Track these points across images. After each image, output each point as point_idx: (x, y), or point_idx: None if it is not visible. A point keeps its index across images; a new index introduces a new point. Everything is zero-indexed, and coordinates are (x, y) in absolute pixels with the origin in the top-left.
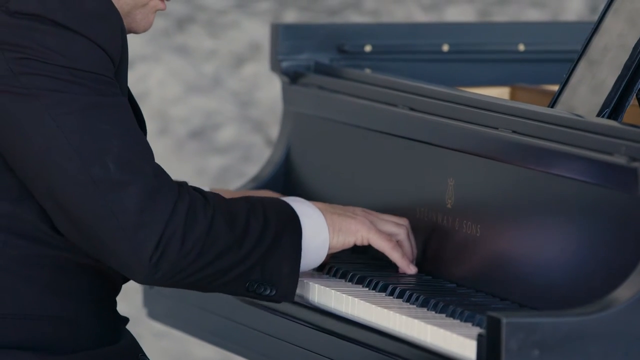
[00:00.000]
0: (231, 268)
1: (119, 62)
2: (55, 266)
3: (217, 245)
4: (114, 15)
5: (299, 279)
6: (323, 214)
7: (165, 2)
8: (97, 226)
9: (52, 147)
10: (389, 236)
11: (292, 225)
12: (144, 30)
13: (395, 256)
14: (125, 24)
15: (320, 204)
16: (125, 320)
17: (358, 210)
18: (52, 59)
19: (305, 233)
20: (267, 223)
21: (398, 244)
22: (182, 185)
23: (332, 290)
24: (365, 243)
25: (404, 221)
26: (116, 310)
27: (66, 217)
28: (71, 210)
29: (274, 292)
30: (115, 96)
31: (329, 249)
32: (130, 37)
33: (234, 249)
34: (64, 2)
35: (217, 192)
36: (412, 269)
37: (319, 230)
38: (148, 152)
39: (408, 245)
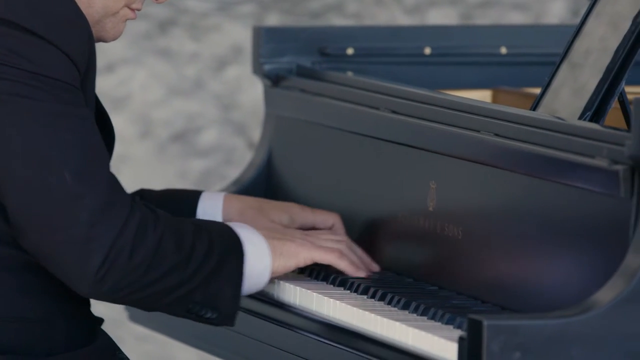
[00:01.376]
0: (175, 288)
1: (86, 71)
2: (25, 267)
3: (163, 264)
4: (82, 23)
5: (287, 283)
6: (266, 240)
7: (140, 10)
8: (46, 235)
9: (10, 152)
10: (332, 249)
11: (236, 250)
12: (114, 39)
13: (342, 264)
14: (94, 32)
15: (261, 230)
16: (100, 320)
17: (297, 233)
18: (17, 63)
19: (248, 258)
20: (211, 246)
21: (344, 255)
22: (135, 200)
23: (314, 293)
24: (309, 262)
25: (342, 237)
26: (90, 311)
27: (17, 222)
28: (22, 217)
29: (215, 316)
30: (79, 106)
31: (271, 273)
32: (111, 41)
33: (179, 269)
34: (32, 9)
35: (143, 190)
36: (361, 273)
37: (262, 256)
38: (105, 165)
39: (352, 254)
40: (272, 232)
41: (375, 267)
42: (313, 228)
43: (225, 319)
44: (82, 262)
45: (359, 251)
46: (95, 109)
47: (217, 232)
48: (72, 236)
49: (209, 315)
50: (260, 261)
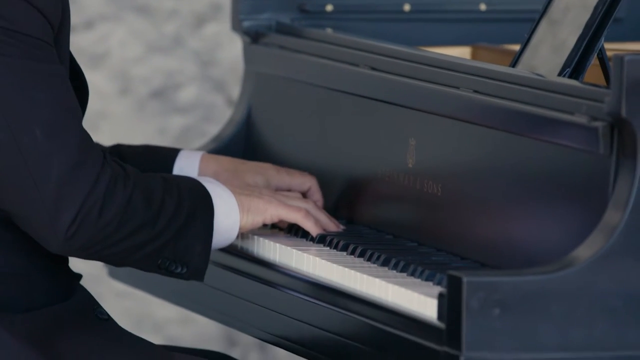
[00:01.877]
0: (145, 244)
1: (60, 27)
2: (1, 222)
3: (133, 220)
4: None
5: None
6: (234, 195)
7: None
8: (17, 194)
9: None
10: (298, 208)
11: (205, 205)
12: None
13: (308, 224)
14: None
15: (229, 185)
16: (79, 276)
17: (265, 190)
18: None
19: (217, 213)
20: (181, 201)
21: (310, 215)
22: (106, 158)
23: (294, 250)
24: (275, 220)
25: (309, 200)
26: (68, 267)
27: None
28: None
29: (184, 271)
30: (51, 63)
31: (239, 228)
32: None
33: (149, 225)
34: None
35: (121, 145)
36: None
37: (230, 211)
38: (77, 123)
39: (319, 213)
40: (241, 188)
41: (340, 228)
42: (289, 191)
43: (195, 273)
44: (52, 220)
45: (325, 213)
46: (69, 66)
47: (186, 187)
48: (43, 194)
49: (178, 270)
50: (228, 216)
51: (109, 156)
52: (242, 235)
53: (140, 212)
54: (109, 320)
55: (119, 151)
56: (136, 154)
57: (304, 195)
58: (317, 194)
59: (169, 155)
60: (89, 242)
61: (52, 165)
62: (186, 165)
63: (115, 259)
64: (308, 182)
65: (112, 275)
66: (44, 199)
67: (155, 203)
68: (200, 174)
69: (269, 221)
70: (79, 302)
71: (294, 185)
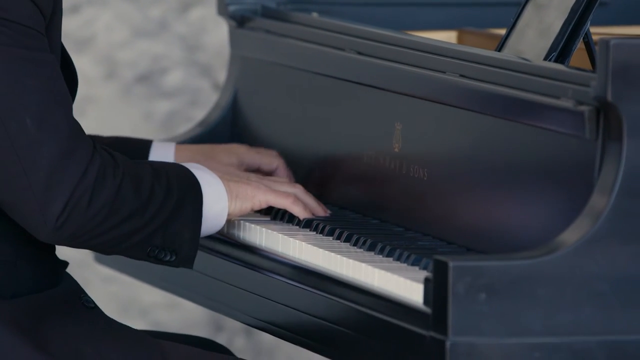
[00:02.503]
0: (134, 233)
1: (52, 15)
2: None
3: (123, 209)
4: None
5: (254, 225)
6: (222, 182)
7: None
8: (6, 182)
9: None
10: (286, 193)
11: (194, 192)
12: None
13: (296, 210)
14: None
15: (217, 172)
16: (65, 263)
17: (252, 176)
18: None
19: (205, 200)
20: (170, 189)
21: (298, 200)
22: (96, 146)
23: (279, 234)
24: (264, 206)
25: (297, 184)
26: (55, 254)
27: None
28: None
29: (173, 258)
30: (42, 51)
31: (228, 215)
32: None
33: (138, 213)
34: None
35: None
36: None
37: (219, 198)
38: (67, 112)
39: (307, 198)
40: (229, 175)
41: (327, 212)
42: (258, 170)
43: (184, 261)
44: (42, 209)
45: (312, 197)
46: (60, 54)
47: (175, 175)
48: (33, 183)
49: (168, 257)
50: (217, 203)
51: (99, 145)
52: (229, 220)
53: (129, 201)
54: (95, 308)
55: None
56: (108, 146)
57: (272, 173)
58: (283, 171)
59: (142, 146)
60: (79, 230)
61: (42, 153)
62: (162, 157)
63: (105, 247)
64: (275, 160)
65: (99, 260)
66: (34, 187)
67: (145, 191)
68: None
69: (257, 207)
70: (65, 290)
71: (262, 163)
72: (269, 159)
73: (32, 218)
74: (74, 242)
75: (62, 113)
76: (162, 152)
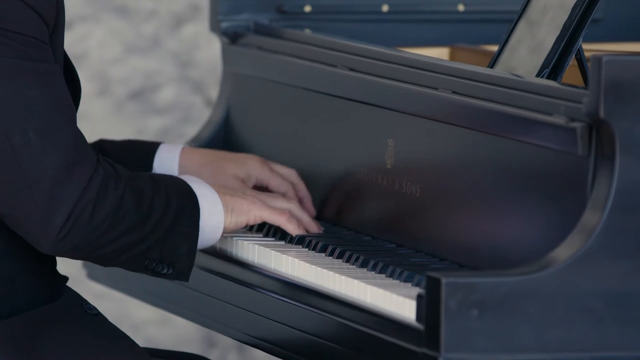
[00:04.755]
0: (134, 245)
1: (55, 26)
2: None
3: (124, 221)
4: None
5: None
6: (219, 195)
7: None
8: (9, 194)
9: None
10: (281, 210)
11: (191, 206)
12: None
13: (290, 227)
14: None
15: (213, 185)
16: (65, 279)
17: (248, 191)
18: None
19: (202, 214)
20: (168, 202)
21: (293, 218)
22: (99, 159)
23: (272, 251)
24: (259, 221)
25: (293, 200)
26: (55, 269)
27: None
28: None
29: (170, 271)
30: (45, 62)
31: (224, 229)
32: None
33: (139, 226)
34: None
35: (104, 140)
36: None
37: (215, 211)
38: (71, 123)
39: (302, 214)
40: (225, 188)
41: (321, 229)
42: (266, 189)
43: (180, 274)
44: (44, 221)
45: (307, 214)
46: (64, 64)
47: (173, 187)
48: (35, 195)
49: (165, 271)
50: (213, 217)
51: (101, 157)
52: (223, 235)
53: (131, 213)
54: (98, 315)
55: (101, 146)
56: (117, 149)
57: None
58: (292, 197)
59: (150, 149)
60: (81, 242)
61: (45, 165)
62: (167, 159)
63: (104, 259)
64: (284, 185)
65: (91, 276)
66: (37, 199)
67: (145, 204)
68: (180, 167)
69: (252, 222)
70: (67, 301)
71: (271, 184)
72: (279, 182)
73: (35, 230)
74: (76, 254)
75: (65, 124)
76: (167, 155)
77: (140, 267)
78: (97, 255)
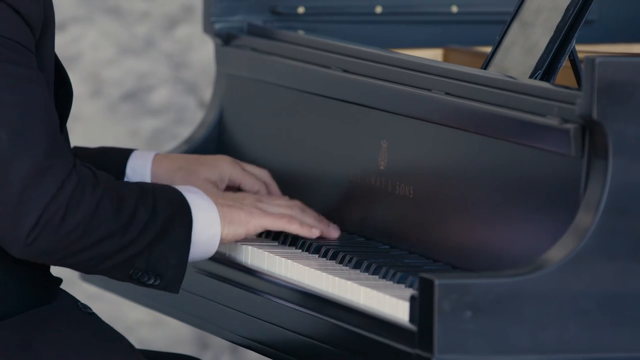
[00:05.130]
0: (114, 253)
1: (44, 29)
2: None
3: (100, 229)
4: None
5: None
6: (216, 207)
7: None
8: None
9: None
10: (280, 215)
11: (183, 217)
12: None
13: (293, 228)
14: None
15: (212, 195)
16: (59, 280)
17: (248, 199)
18: None
19: (196, 226)
20: (155, 212)
21: (293, 219)
22: (76, 164)
23: (265, 252)
24: (259, 230)
25: (295, 202)
26: (49, 272)
27: None
28: None
29: (157, 282)
30: (26, 67)
31: (220, 240)
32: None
33: (117, 235)
34: None
35: (77, 148)
36: (314, 233)
37: (211, 223)
38: (48, 128)
39: (305, 216)
40: (224, 198)
41: (334, 229)
42: (238, 189)
43: (169, 285)
44: (13, 225)
45: (313, 213)
46: (55, 67)
47: (163, 197)
48: (4, 198)
49: (151, 281)
50: (209, 228)
51: (80, 163)
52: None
53: (108, 221)
54: (93, 314)
55: (75, 154)
56: (89, 157)
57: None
58: (271, 190)
59: (122, 156)
60: (51, 248)
61: (15, 168)
62: (139, 166)
63: (83, 266)
64: (257, 185)
65: (84, 278)
66: (6, 202)
67: (126, 212)
68: (153, 174)
69: (252, 232)
70: (60, 303)
71: (244, 184)
72: (252, 181)
73: (4, 233)
74: (48, 259)
75: (41, 129)
76: (139, 162)
77: (124, 277)
78: (73, 262)
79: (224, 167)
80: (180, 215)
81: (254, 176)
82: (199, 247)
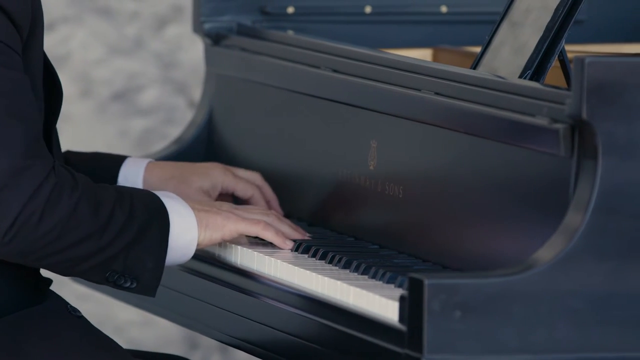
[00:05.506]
0: (91, 256)
1: (32, 29)
2: None
3: (77, 231)
4: None
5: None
6: (193, 212)
7: None
8: None
9: None
10: (257, 220)
11: (160, 221)
12: None
13: (267, 235)
14: None
15: (188, 201)
16: (49, 281)
17: (224, 205)
18: None
19: (173, 230)
20: (132, 215)
21: (269, 226)
22: (55, 166)
23: (255, 252)
24: (235, 235)
25: (271, 212)
26: (39, 273)
27: None
28: None
29: (134, 285)
30: (11, 69)
31: (197, 245)
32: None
33: (94, 237)
34: None
35: (70, 152)
36: (287, 244)
37: (189, 228)
38: (29, 130)
39: (280, 224)
40: (200, 204)
41: (306, 236)
42: (232, 195)
43: (145, 289)
44: None
45: (289, 222)
46: (44, 67)
47: (141, 201)
48: None
49: (127, 284)
50: (187, 233)
51: (59, 165)
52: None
53: (85, 223)
54: (82, 317)
55: (67, 158)
56: (82, 162)
57: (249, 200)
58: (260, 202)
59: (115, 162)
60: (28, 249)
61: None
62: (130, 174)
63: (59, 268)
64: (251, 189)
65: (74, 278)
66: None
67: (104, 214)
68: (144, 182)
69: (228, 237)
70: (50, 305)
71: (237, 190)
72: (245, 186)
73: None
74: (25, 260)
75: (20, 130)
76: (132, 169)
77: (101, 279)
78: (50, 263)
79: (216, 175)
80: (157, 219)
81: (246, 181)
82: (176, 251)
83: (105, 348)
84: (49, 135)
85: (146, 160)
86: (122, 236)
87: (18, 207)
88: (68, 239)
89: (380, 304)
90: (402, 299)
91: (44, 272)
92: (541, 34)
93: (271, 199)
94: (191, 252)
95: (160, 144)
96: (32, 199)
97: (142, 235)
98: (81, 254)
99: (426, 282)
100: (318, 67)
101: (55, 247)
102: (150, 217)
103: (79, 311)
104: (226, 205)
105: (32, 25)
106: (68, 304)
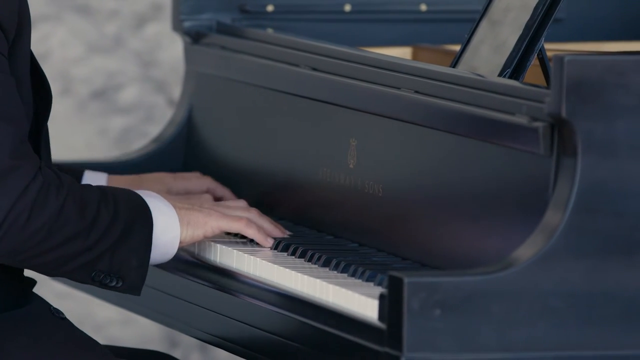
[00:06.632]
0: (77, 255)
1: (19, 30)
2: None
3: (64, 231)
4: None
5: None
6: (175, 209)
7: None
8: None
9: None
10: (239, 217)
11: (143, 219)
12: None
13: (250, 232)
14: None
15: (170, 199)
16: (32, 282)
17: (205, 203)
18: None
19: (156, 228)
20: (117, 214)
21: (252, 222)
22: (41, 166)
23: (234, 250)
24: (217, 232)
25: (252, 209)
26: (22, 274)
27: None
28: None
29: (120, 284)
30: None
31: (180, 243)
32: None
33: (81, 237)
34: None
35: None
36: (269, 242)
37: (171, 226)
38: (15, 131)
39: (262, 221)
40: (181, 202)
41: (286, 234)
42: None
43: (131, 288)
44: None
45: (269, 220)
46: (32, 68)
47: (124, 200)
48: None
49: (113, 283)
50: (169, 231)
51: (45, 165)
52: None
53: (72, 223)
54: (65, 319)
55: None
56: None
57: (221, 196)
58: (219, 190)
59: (74, 174)
60: (16, 249)
61: None
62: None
63: (46, 268)
64: (205, 182)
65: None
66: None
67: (90, 214)
68: None
69: (209, 234)
70: (34, 307)
71: (190, 188)
72: (196, 182)
73: None
74: (13, 260)
75: (7, 131)
76: (93, 182)
77: (87, 279)
78: (37, 264)
79: (166, 180)
80: (141, 218)
81: (197, 177)
82: (160, 249)
83: (89, 350)
84: (39, 136)
85: (105, 174)
86: (107, 235)
87: (6, 208)
88: (56, 238)
89: (360, 302)
90: (381, 297)
91: (27, 273)
92: (520, 32)
93: (224, 194)
94: (174, 250)
95: (140, 142)
96: (19, 200)
97: (126, 234)
98: (68, 254)
99: (406, 280)
100: (297, 66)
101: (43, 247)
102: (135, 216)
103: (62, 313)
104: (208, 203)
105: (18, 28)
106: (51, 306)
